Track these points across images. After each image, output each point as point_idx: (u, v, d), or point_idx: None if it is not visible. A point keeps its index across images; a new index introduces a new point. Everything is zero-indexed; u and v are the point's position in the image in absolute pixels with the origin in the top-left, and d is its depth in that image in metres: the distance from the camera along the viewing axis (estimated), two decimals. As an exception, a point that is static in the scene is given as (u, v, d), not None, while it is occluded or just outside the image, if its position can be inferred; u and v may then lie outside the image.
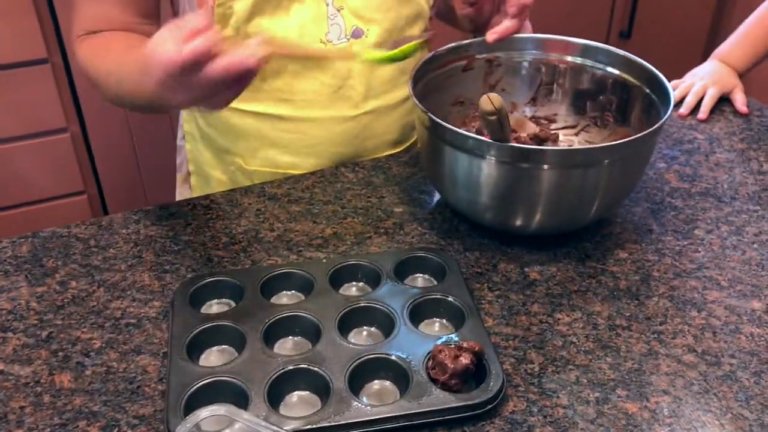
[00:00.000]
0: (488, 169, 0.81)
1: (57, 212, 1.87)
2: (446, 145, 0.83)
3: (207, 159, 1.08)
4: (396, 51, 0.83)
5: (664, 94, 0.86)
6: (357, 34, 0.96)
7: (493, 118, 0.77)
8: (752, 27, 1.19)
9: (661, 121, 0.81)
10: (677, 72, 1.22)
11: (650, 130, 0.80)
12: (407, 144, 1.09)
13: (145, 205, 0.95)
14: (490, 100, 0.76)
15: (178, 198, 1.19)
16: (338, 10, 0.95)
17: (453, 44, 0.96)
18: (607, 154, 0.80)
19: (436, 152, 0.86)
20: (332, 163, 1.03)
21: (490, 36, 0.91)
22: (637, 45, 2.41)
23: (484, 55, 0.97)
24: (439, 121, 0.81)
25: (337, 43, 0.96)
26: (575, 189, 0.81)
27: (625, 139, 0.79)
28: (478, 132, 0.91)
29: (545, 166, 0.79)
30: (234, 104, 0.95)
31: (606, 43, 2.56)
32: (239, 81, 0.68)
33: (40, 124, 1.76)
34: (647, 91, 0.90)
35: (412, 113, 1.06)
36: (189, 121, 1.09)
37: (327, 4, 0.94)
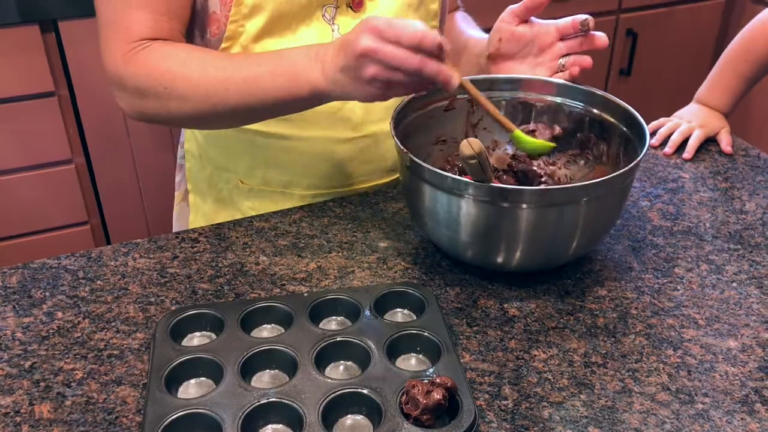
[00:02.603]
0: (467, 208, 0.83)
1: (60, 242, 1.90)
2: (426, 184, 0.85)
3: (206, 176, 1.11)
4: (539, 145, 0.95)
5: (640, 132, 0.88)
6: None
7: (474, 162, 0.78)
8: (725, 67, 1.20)
9: (637, 160, 0.83)
10: (677, 110, 1.24)
11: (626, 168, 0.82)
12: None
13: (149, 237, 0.97)
14: (470, 145, 0.78)
15: (174, 216, 1.21)
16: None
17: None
18: (585, 193, 0.82)
19: (417, 191, 0.87)
20: (328, 184, 1.05)
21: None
22: (636, 83, 2.43)
23: (466, 95, 1.00)
24: (419, 161, 0.83)
25: None
26: (554, 227, 0.83)
27: (602, 178, 0.81)
28: (462, 172, 0.93)
29: (523, 205, 0.81)
30: None
31: (606, 80, 2.59)
32: (418, 87, 0.82)
33: (46, 155, 1.80)
34: (624, 129, 0.92)
35: None
36: (190, 140, 1.12)
37: (333, 30, 0.97)
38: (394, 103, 1.03)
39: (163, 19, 0.91)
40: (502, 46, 1.00)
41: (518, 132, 0.92)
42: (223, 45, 0.95)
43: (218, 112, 0.89)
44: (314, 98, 0.86)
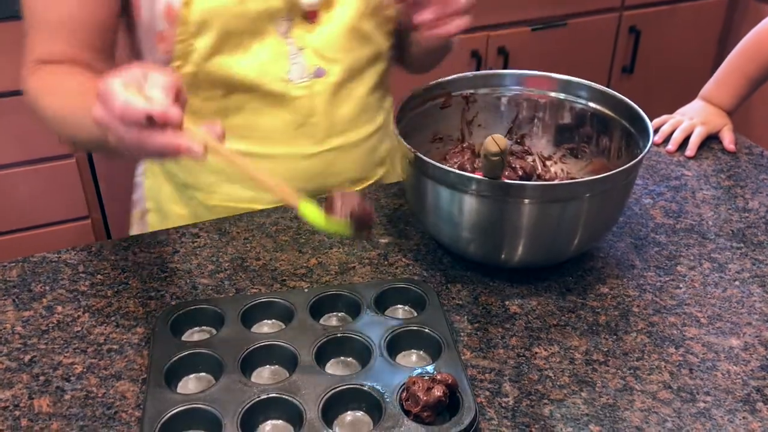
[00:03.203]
0: (470, 203, 0.82)
1: (61, 237, 1.90)
2: (429, 180, 0.84)
3: (167, 194, 1.08)
4: (333, 227, 0.72)
5: (643, 128, 0.87)
6: (319, 74, 0.97)
7: (497, 158, 0.77)
8: (733, 66, 1.20)
9: (641, 155, 0.82)
10: (679, 108, 1.23)
11: (630, 164, 0.81)
12: (370, 182, 1.09)
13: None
14: (495, 142, 0.76)
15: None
16: (300, 50, 0.95)
17: (432, 83, 0.97)
18: (588, 189, 0.81)
19: (420, 187, 0.87)
20: None
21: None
22: (639, 81, 2.43)
23: (461, 92, 0.99)
24: (423, 157, 0.83)
25: (298, 82, 0.96)
26: (556, 223, 0.82)
27: (606, 174, 0.80)
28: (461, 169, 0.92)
29: (526, 201, 0.80)
30: None
31: (609, 78, 2.59)
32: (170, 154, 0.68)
33: (47, 150, 1.79)
34: (626, 125, 0.92)
35: (375, 152, 1.07)
36: None
37: (288, 44, 0.94)
38: (356, 114, 1.01)
39: (66, 47, 0.90)
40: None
41: (305, 206, 0.71)
42: (176, 63, 0.92)
43: (74, 141, 0.91)
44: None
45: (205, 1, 0.88)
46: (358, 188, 1.02)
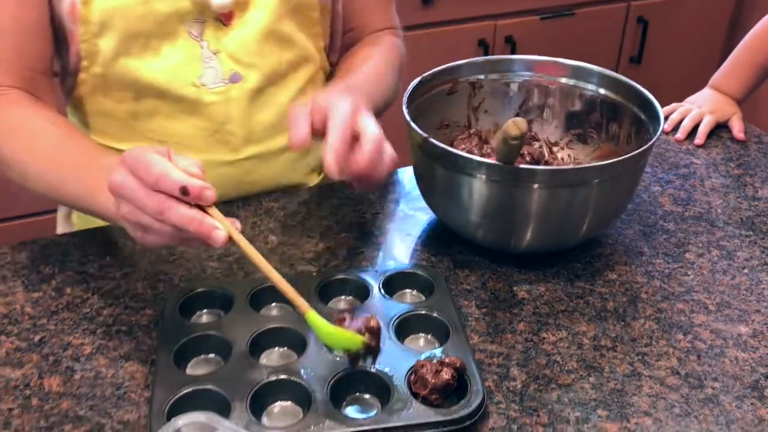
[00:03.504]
0: (479, 188, 0.82)
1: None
2: (439, 164, 0.84)
3: None
4: (345, 337, 0.68)
5: (654, 114, 0.87)
6: (235, 79, 0.93)
7: (516, 142, 0.76)
8: (743, 54, 1.19)
9: (652, 141, 0.82)
10: (687, 98, 1.23)
11: (641, 149, 0.81)
12: (309, 185, 1.05)
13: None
14: (516, 125, 0.75)
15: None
16: (214, 54, 0.91)
17: (439, 68, 0.97)
18: (597, 174, 0.81)
19: (429, 172, 0.87)
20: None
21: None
22: (647, 71, 2.42)
23: (468, 78, 0.99)
24: (434, 141, 0.82)
25: (213, 87, 0.92)
26: (565, 208, 0.82)
27: (616, 159, 0.80)
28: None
29: (535, 186, 0.80)
30: (105, 142, 0.96)
31: (616, 68, 2.60)
32: (184, 240, 0.68)
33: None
34: (636, 111, 0.91)
35: (306, 158, 1.03)
36: None
37: (201, 47, 0.90)
38: (276, 121, 0.96)
39: (14, 63, 0.87)
40: None
41: (312, 315, 0.68)
42: (83, 63, 0.89)
43: (26, 188, 0.86)
44: (107, 220, 0.78)
45: (106, 0, 0.85)
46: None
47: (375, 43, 1.05)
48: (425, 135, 0.83)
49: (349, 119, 0.75)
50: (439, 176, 0.85)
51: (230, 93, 0.93)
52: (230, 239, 0.66)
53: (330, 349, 0.69)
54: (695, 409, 0.71)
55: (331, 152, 0.74)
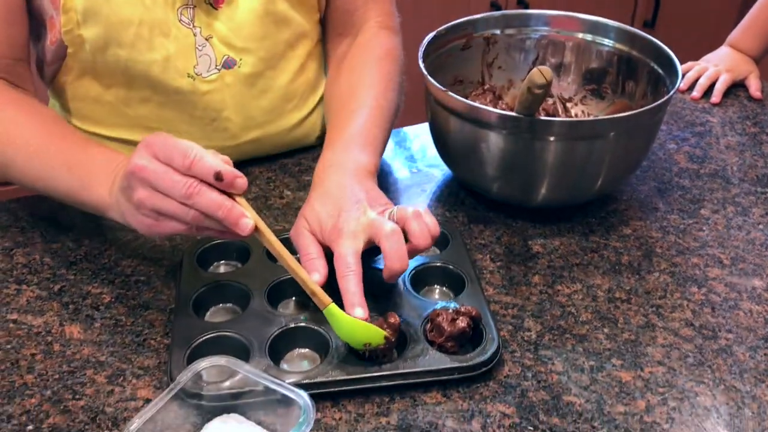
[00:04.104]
0: (496, 141, 0.82)
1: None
2: (454, 116, 0.84)
3: None
4: (360, 334, 0.67)
5: (671, 68, 0.87)
6: (228, 64, 0.89)
7: (541, 91, 0.75)
8: (761, 13, 1.18)
9: (671, 93, 0.82)
10: (703, 56, 1.22)
11: (659, 102, 0.81)
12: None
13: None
14: (541, 73, 0.74)
15: None
16: (207, 40, 0.87)
17: (453, 22, 0.96)
18: (614, 127, 0.81)
19: (446, 126, 0.87)
20: None
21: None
22: (661, 35, 2.39)
23: (482, 33, 0.98)
24: (452, 94, 0.82)
25: (206, 76, 0.88)
26: (581, 161, 0.82)
27: (633, 111, 0.80)
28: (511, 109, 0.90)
29: (551, 138, 0.80)
30: (97, 130, 0.92)
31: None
32: (201, 228, 0.67)
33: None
34: (654, 66, 0.91)
35: (309, 137, 1.01)
36: None
37: (194, 34, 0.86)
38: (276, 105, 0.93)
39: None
40: None
41: (334, 308, 0.68)
42: (69, 50, 0.85)
43: (16, 183, 0.83)
44: (98, 211, 0.76)
45: None
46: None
47: (367, 52, 0.94)
48: (444, 88, 0.83)
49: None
50: (456, 130, 0.85)
51: (225, 79, 0.90)
52: (256, 229, 0.66)
53: (351, 347, 0.69)
54: (709, 359, 0.71)
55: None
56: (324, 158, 0.82)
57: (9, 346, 0.72)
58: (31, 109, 0.83)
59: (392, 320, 0.69)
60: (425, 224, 0.72)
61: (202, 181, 0.64)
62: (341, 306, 0.68)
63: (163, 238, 0.85)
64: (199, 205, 0.64)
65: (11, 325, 0.74)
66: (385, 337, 0.67)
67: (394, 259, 0.70)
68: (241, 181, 0.65)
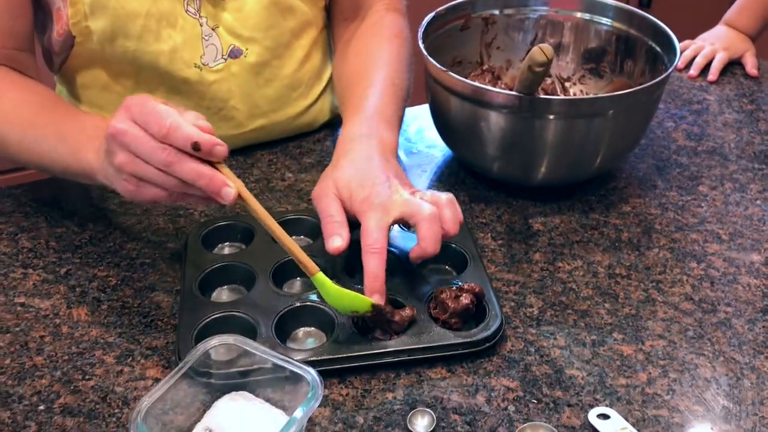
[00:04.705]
0: (496, 119, 0.83)
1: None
2: (455, 97, 0.84)
3: None
4: (351, 297, 0.68)
5: (669, 46, 0.87)
6: (235, 54, 0.89)
7: (541, 69, 0.75)
8: None
9: (669, 70, 0.82)
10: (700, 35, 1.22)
11: (658, 79, 0.82)
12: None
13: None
14: (542, 51, 0.74)
15: None
16: (213, 29, 0.87)
17: (453, 3, 0.96)
18: (613, 104, 0.81)
19: (444, 104, 0.87)
20: None
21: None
22: (657, 14, 2.38)
23: (481, 13, 0.98)
24: (451, 73, 0.83)
25: (213, 66, 0.89)
26: (580, 139, 0.83)
27: (632, 89, 0.80)
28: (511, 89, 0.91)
29: (551, 116, 0.81)
30: (105, 116, 0.87)
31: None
32: (184, 195, 0.66)
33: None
34: (652, 44, 0.91)
35: (314, 123, 1.02)
36: None
37: (201, 24, 0.87)
38: (282, 93, 0.93)
39: (1, 51, 0.84)
40: None
41: (321, 276, 0.68)
42: (77, 40, 0.84)
43: (13, 161, 0.83)
44: (87, 178, 0.74)
45: None
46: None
47: (376, 34, 0.94)
48: (444, 69, 0.83)
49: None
50: (456, 110, 0.86)
51: (231, 69, 0.90)
52: (239, 197, 0.65)
53: (357, 326, 0.70)
54: (708, 332, 0.72)
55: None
56: (347, 130, 0.81)
57: (18, 329, 0.72)
58: (24, 86, 0.84)
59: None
60: (457, 212, 0.73)
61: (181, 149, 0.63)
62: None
63: (166, 221, 0.86)
64: (179, 173, 0.63)
65: (19, 308, 0.75)
66: (373, 305, 0.68)
67: (430, 242, 0.70)
68: (220, 149, 0.63)
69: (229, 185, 0.64)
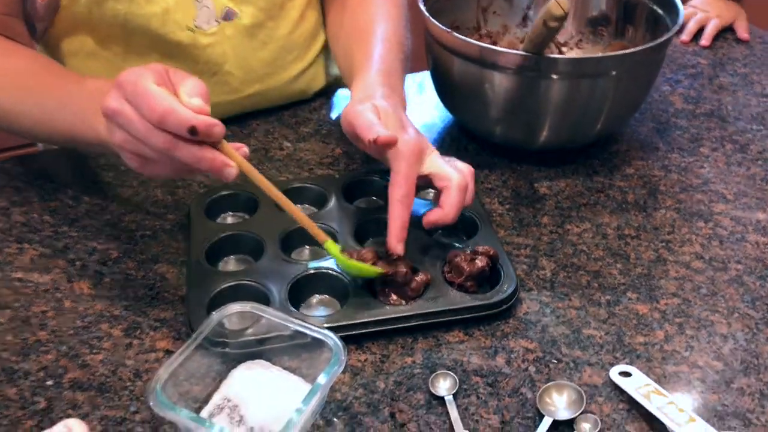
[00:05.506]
0: (500, 80, 0.81)
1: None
2: (456, 56, 0.83)
3: None
4: (360, 267, 0.67)
5: (671, 7, 0.87)
6: (229, 16, 0.87)
7: (556, 24, 0.73)
8: None
9: (672, 30, 0.82)
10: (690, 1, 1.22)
11: (663, 38, 0.81)
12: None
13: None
14: (559, 4, 0.72)
15: None
16: None
17: None
18: (617, 64, 0.81)
19: (446, 66, 0.86)
20: None
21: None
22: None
23: None
24: (455, 34, 0.81)
25: (207, 29, 0.86)
26: (584, 100, 0.82)
27: (636, 48, 0.80)
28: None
29: (555, 76, 0.80)
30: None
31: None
32: (188, 172, 0.63)
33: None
34: (653, 6, 0.91)
35: (311, 88, 0.99)
36: None
37: None
38: (278, 56, 0.91)
39: None
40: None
41: (332, 245, 0.67)
42: (63, 2, 0.82)
43: (14, 132, 0.79)
44: (99, 146, 0.69)
45: None
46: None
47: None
48: (448, 29, 0.81)
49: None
50: (459, 72, 0.84)
51: (225, 32, 0.87)
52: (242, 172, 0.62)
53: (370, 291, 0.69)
54: (721, 289, 0.73)
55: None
56: (364, 83, 0.77)
57: (17, 305, 0.70)
58: (18, 52, 0.79)
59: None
60: (473, 186, 0.72)
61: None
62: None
63: (164, 193, 0.83)
64: (178, 158, 0.59)
65: (16, 283, 0.72)
66: (381, 273, 0.67)
67: (454, 210, 0.70)
68: (218, 129, 0.59)
69: (231, 164, 0.61)
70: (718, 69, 1.09)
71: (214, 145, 0.61)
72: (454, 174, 0.70)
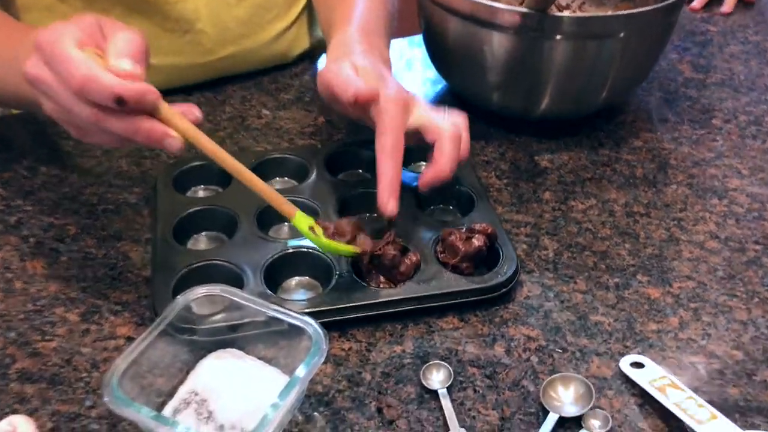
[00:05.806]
0: (499, 41, 0.74)
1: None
2: (455, 17, 0.76)
3: None
4: (329, 245, 0.59)
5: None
6: None
7: None
8: None
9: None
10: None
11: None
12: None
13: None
14: None
15: None
16: None
17: None
18: (626, 25, 0.74)
19: (441, 27, 0.79)
20: None
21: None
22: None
23: None
24: (447, -10, 0.74)
25: None
26: (589, 63, 0.75)
27: (647, 8, 0.73)
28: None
29: (559, 36, 0.73)
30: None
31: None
32: (132, 142, 0.54)
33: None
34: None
35: (292, 50, 0.93)
36: None
37: None
38: (255, 14, 0.84)
39: None
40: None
41: (301, 218, 0.59)
42: None
43: None
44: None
45: None
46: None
47: None
48: (440, -17, 0.74)
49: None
50: (454, 32, 0.77)
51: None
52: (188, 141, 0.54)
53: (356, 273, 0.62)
54: (739, 272, 0.66)
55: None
56: (341, 38, 0.70)
57: (-39, 286, 0.62)
58: None
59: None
60: (468, 136, 0.65)
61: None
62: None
63: (129, 163, 0.76)
64: (112, 130, 0.52)
65: (-38, 262, 0.65)
66: (356, 253, 0.60)
67: (449, 163, 0.62)
68: (151, 97, 0.51)
69: (172, 135, 0.53)
70: (729, 37, 1.02)
71: (153, 113, 0.52)
72: (446, 124, 0.63)
